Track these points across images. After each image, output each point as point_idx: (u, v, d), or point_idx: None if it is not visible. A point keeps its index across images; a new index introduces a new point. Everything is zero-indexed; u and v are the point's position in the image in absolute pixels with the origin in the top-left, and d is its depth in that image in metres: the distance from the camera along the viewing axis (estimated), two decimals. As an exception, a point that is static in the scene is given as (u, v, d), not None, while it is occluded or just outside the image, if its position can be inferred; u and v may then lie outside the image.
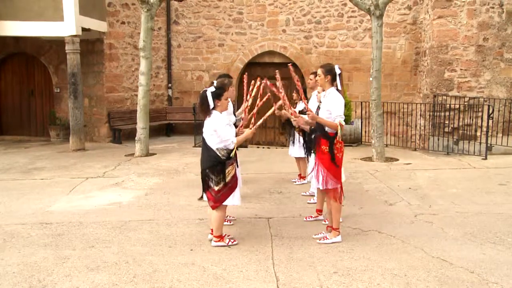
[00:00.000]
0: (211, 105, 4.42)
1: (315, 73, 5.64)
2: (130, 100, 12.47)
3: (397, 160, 9.21)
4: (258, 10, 12.96)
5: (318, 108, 4.99)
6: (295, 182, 7.27)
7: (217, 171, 4.41)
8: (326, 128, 4.61)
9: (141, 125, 9.90)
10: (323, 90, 4.89)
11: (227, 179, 4.44)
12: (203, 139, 4.52)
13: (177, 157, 9.66)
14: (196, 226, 5.29)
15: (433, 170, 8.21)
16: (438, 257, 4.32)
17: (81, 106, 10.84)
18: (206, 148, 4.48)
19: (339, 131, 4.57)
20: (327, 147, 4.61)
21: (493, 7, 10.54)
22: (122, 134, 11.91)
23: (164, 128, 13.33)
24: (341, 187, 4.77)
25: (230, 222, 5.34)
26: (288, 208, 5.94)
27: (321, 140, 4.65)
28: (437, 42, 10.72)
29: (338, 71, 4.69)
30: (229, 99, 4.76)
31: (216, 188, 4.42)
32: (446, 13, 10.62)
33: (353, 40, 12.62)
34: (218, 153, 4.41)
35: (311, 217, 5.49)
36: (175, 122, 13.32)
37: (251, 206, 6.02)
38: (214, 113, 4.43)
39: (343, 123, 4.58)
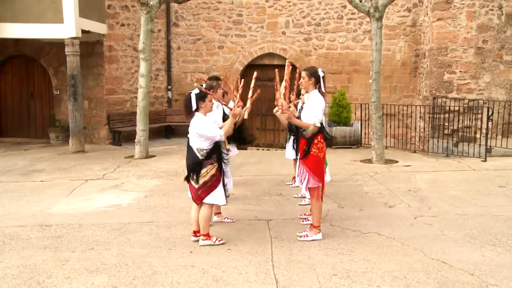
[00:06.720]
0: (194, 107, 4.55)
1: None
2: (129, 102, 12.47)
3: (397, 162, 9.21)
4: (257, 12, 12.97)
5: (302, 108, 5.10)
6: (291, 184, 7.25)
7: (196, 170, 4.58)
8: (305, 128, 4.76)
9: (140, 127, 9.89)
10: (307, 92, 4.98)
11: (206, 178, 4.57)
12: (188, 139, 4.67)
13: (177, 159, 9.65)
14: (196, 228, 5.29)
15: (432, 172, 8.21)
16: (438, 259, 4.31)
17: (80, 108, 10.84)
18: (188, 148, 4.66)
19: (310, 130, 4.66)
20: (306, 147, 4.72)
21: (492, 9, 10.56)
22: (121, 136, 11.91)
23: (163, 130, 13.32)
24: (323, 186, 4.85)
25: (231, 219, 5.50)
26: (287, 210, 5.93)
27: (301, 140, 4.81)
28: (436, 44, 10.73)
29: (321, 74, 4.80)
30: (213, 101, 4.87)
31: (196, 186, 4.60)
32: (445, 15, 10.64)
33: (353, 42, 12.63)
34: (197, 153, 4.56)
35: (305, 215, 5.55)
36: (175, 124, 13.30)
37: (250, 208, 6.01)
38: (197, 115, 4.57)
39: (318, 124, 4.66)
